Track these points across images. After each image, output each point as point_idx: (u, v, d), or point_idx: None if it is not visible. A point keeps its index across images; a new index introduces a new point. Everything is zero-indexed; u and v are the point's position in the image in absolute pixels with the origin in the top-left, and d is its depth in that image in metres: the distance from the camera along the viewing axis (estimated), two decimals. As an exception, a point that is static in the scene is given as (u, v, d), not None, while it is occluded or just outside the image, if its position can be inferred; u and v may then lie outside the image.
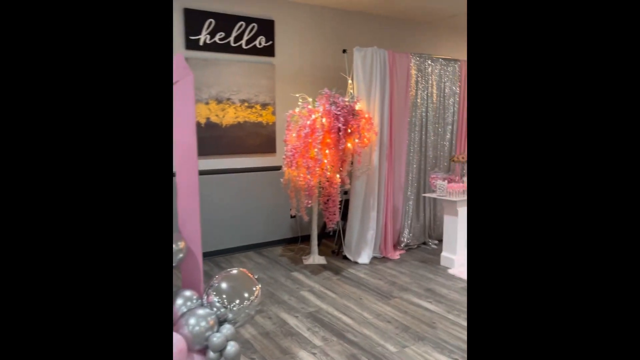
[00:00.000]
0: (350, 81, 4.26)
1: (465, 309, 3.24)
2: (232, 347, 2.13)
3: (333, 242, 4.90)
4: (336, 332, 2.90)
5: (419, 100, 4.67)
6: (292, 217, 4.96)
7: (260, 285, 2.40)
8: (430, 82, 4.73)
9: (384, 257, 4.53)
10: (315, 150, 3.82)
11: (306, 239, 4.89)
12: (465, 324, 3.00)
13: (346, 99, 4.03)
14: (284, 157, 4.02)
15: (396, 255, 4.58)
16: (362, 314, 3.18)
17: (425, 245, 4.97)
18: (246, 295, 2.28)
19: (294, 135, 3.95)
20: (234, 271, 2.38)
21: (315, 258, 4.38)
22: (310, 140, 3.84)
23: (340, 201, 4.31)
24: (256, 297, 2.32)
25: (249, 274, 2.40)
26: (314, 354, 2.64)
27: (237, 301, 2.25)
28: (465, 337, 2.81)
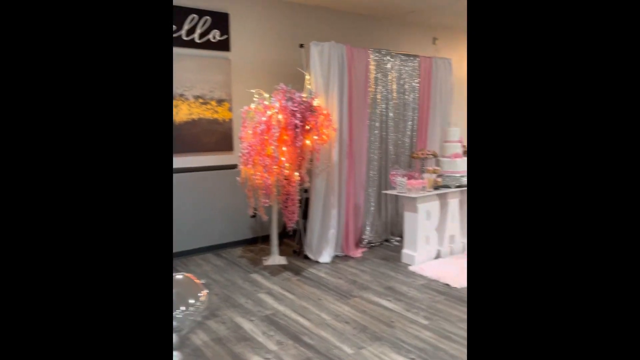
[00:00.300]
0: (307, 76, 4.17)
1: (424, 307, 3.20)
2: (175, 358, 1.99)
3: (294, 241, 4.80)
4: (292, 335, 2.81)
5: (378, 97, 4.63)
6: (251, 216, 4.82)
7: (207, 291, 2.28)
8: (389, 78, 4.69)
9: (345, 255, 4.47)
10: (272, 147, 3.70)
11: (267, 239, 4.77)
12: (423, 322, 2.97)
13: (304, 95, 3.94)
14: (240, 154, 3.88)
15: (358, 253, 4.53)
16: (320, 315, 3.09)
17: (388, 242, 4.94)
18: (191, 301, 2.16)
19: (249, 132, 3.82)
20: (179, 276, 2.25)
21: (276, 258, 4.27)
22: (266, 138, 3.72)
23: (301, 199, 4.22)
24: (202, 303, 2.19)
25: (195, 279, 2.27)
26: (267, 359, 2.54)
27: (182, 308, 2.12)
28: (422, 336, 2.77)
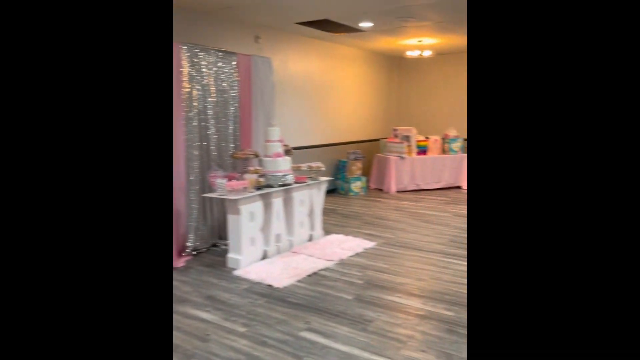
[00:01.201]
0: (107, 70, 3.68)
1: (243, 313, 3.08)
2: None
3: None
4: (85, 372, 2.40)
5: (194, 94, 4.36)
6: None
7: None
8: (206, 75, 4.46)
9: (167, 266, 4.10)
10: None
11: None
12: (240, 330, 2.84)
13: (101, 91, 3.45)
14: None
15: (181, 262, 4.21)
16: (125, 341, 2.72)
17: (216, 247, 4.72)
18: None
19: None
20: None
21: (79, 280, 3.69)
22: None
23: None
24: None
25: None
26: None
27: None
28: (237, 346, 2.64)
